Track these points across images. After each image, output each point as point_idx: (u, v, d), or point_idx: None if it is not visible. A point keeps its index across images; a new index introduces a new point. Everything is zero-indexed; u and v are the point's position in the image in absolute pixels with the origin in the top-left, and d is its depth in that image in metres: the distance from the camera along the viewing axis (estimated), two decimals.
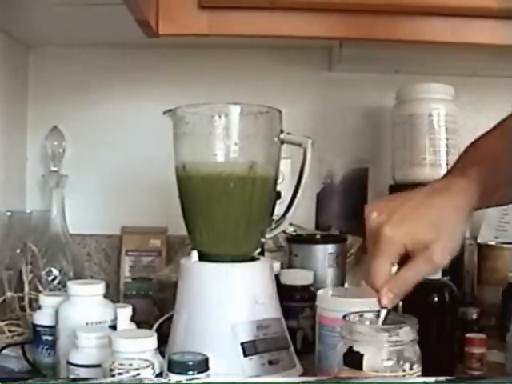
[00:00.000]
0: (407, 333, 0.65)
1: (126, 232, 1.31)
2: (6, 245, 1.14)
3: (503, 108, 0.83)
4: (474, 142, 0.79)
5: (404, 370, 0.64)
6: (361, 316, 0.69)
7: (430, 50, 1.17)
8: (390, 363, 0.64)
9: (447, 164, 1.17)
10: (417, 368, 0.65)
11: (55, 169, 1.25)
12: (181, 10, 1.05)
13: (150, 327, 0.90)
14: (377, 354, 0.64)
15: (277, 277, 0.96)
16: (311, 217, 1.31)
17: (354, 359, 0.64)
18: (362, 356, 0.64)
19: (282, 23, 1.06)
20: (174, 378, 0.63)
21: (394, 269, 0.67)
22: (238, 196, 0.87)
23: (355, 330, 0.66)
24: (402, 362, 0.64)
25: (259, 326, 0.83)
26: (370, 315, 0.69)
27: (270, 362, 0.82)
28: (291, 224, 1.04)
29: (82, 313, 0.81)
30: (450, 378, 0.63)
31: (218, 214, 0.87)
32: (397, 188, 1.21)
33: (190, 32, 1.06)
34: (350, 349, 0.65)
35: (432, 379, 0.62)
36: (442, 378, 0.63)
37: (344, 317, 0.68)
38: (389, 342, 0.64)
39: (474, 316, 1.01)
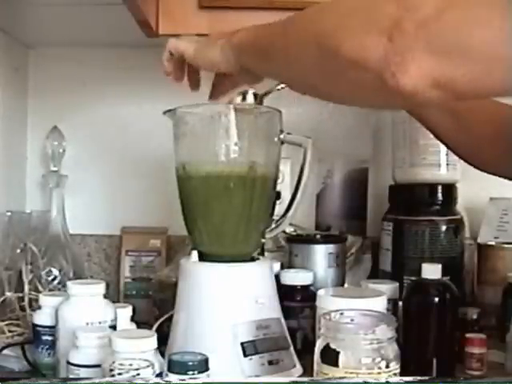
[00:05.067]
0: (384, 331, 0.65)
1: (125, 232, 1.31)
2: (6, 245, 1.14)
3: None
4: None
5: (380, 368, 0.64)
6: (341, 314, 0.69)
7: None
8: (366, 361, 0.64)
9: (447, 164, 1.17)
10: (393, 366, 0.65)
11: (55, 169, 1.25)
12: (181, 10, 1.05)
13: (150, 327, 0.90)
14: (353, 351, 0.64)
15: (277, 277, 0.95)
16: (311, 217, 1.31)
17: (330, 356, 0.65)
18: (338, 353, 0.64)
19: None
20: (173, 378, 0.63)
21: None
22: (238, 196, 0.87)
23: (333, 328, 0.66)
24: (378, 360, 0.64)
25: (259, 326, 0.83)
26: (352, 313, 0.70)
27: (270, 362, 0.82)
28: (291, 224, 1.04)
29: (82, 313, 0.81)
30: (422, 379, 0.63)
31: (217, 214, 0.87)
32: (397, 188, 1.21)
33: (189, 32, 1.05)
34: (327, 346, 0.66)
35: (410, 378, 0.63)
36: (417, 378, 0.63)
37: (324, 314, 0.69)
38: (365, 340, 0.64)
39: (474, 316, 1.01)
